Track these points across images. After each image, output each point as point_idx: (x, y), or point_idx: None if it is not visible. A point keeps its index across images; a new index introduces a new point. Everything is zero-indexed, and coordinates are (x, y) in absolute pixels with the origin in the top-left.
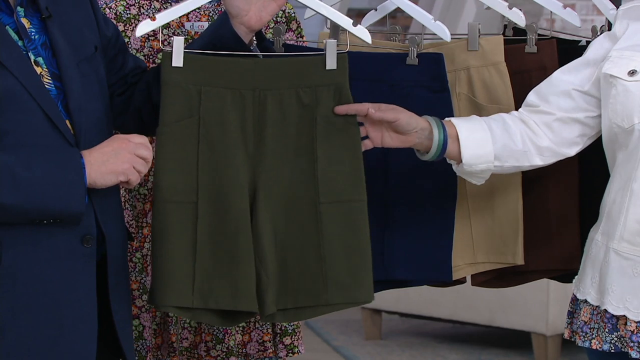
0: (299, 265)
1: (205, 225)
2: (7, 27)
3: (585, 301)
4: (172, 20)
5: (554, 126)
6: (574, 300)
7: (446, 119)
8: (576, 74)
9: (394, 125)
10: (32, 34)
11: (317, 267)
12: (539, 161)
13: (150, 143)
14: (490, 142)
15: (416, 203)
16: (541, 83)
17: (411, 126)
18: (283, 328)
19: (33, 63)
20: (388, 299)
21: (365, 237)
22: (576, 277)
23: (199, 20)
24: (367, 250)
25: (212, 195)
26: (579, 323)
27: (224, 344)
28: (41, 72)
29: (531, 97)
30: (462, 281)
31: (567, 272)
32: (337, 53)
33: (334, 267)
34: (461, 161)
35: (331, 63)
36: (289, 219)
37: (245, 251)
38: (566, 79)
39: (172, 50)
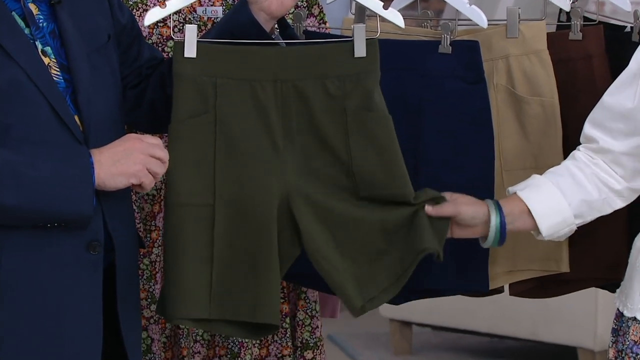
0: (365, 252)
1: (223, 230)
2: (14, 13)
3: (635, 319)
4: None
5: (623, 161)
6: (619, 316)
7: (511, 192)
8: (626, 90)
9: (457, 219)
10: (40, 21)
11: (383, 245)
12: (621, 203)
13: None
14: (566, 206)
15: None
16: (593, 110)
17: (477, 219)
18: (304, 341)
19: (40, 53)
20: (419, 310)
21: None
22: (618, 290)
23: (212, 5)
24: (422, 219)
25: (231, 197)
26: (627, 342)
27: (239, 359)
28: (49, 63)
29: (587, 128)
30: (499, 290)
31: (615, 281)
32: (367, 39)
33: (399, 240)
34: (540, 233)
35: (360, 50)
36: (335, 213)
37: (268, 258)
38: (617, 99)
39: (184, 40)
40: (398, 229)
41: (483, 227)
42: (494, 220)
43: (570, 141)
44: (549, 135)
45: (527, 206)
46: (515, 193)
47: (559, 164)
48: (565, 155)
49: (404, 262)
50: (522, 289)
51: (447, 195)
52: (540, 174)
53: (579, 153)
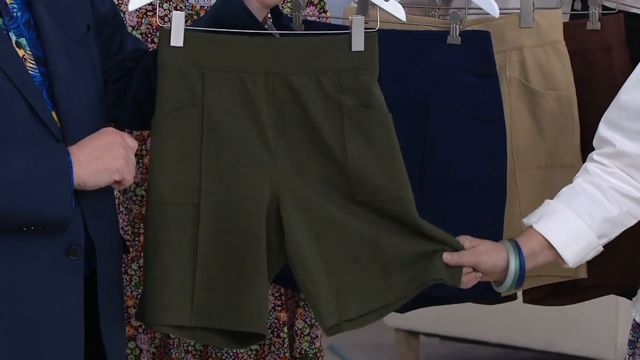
0: (353, 269)
1: (208, 232)
2: None
3: None
4: None
5: None
6: (636, 327)
7: (526, 225)
8: None
9: (479, 270)
10: (14, 10)
11: (373, 266)
12: None
13: (148, 137)
14: (587, 230)
15: (457, 205)
16: (608, 109)
17: (497, 268)
18: (303, 352)
19: (14, 44)
20: (426, 319)
21: (411, 227)
22: (634, 298)
23: None
24: (417, 237)
25: (218, 197)
26: None
27: None
28: (24, 55)
29: (602, 130)
30: (512, 298)
31: (634, 288)
32: (365, 32)
33: (392, 261)
34: (566, 263)
35: (358, 44)
36: (327, 221)
37: (255, 262)
38: (634, 97)
39: (170, 28)
40: (394, 253)
41: (502, 273)
42: (513, 266)
43: (588, 138)
44: (566, 131)
45: (546, 240)
46: (531, 227)
47: (576, 162)
48: (583, 153)
49: (397, 291)
50: (537, 296)
51: (466, 241)
52: (557, 172)
53: (591, 165)
